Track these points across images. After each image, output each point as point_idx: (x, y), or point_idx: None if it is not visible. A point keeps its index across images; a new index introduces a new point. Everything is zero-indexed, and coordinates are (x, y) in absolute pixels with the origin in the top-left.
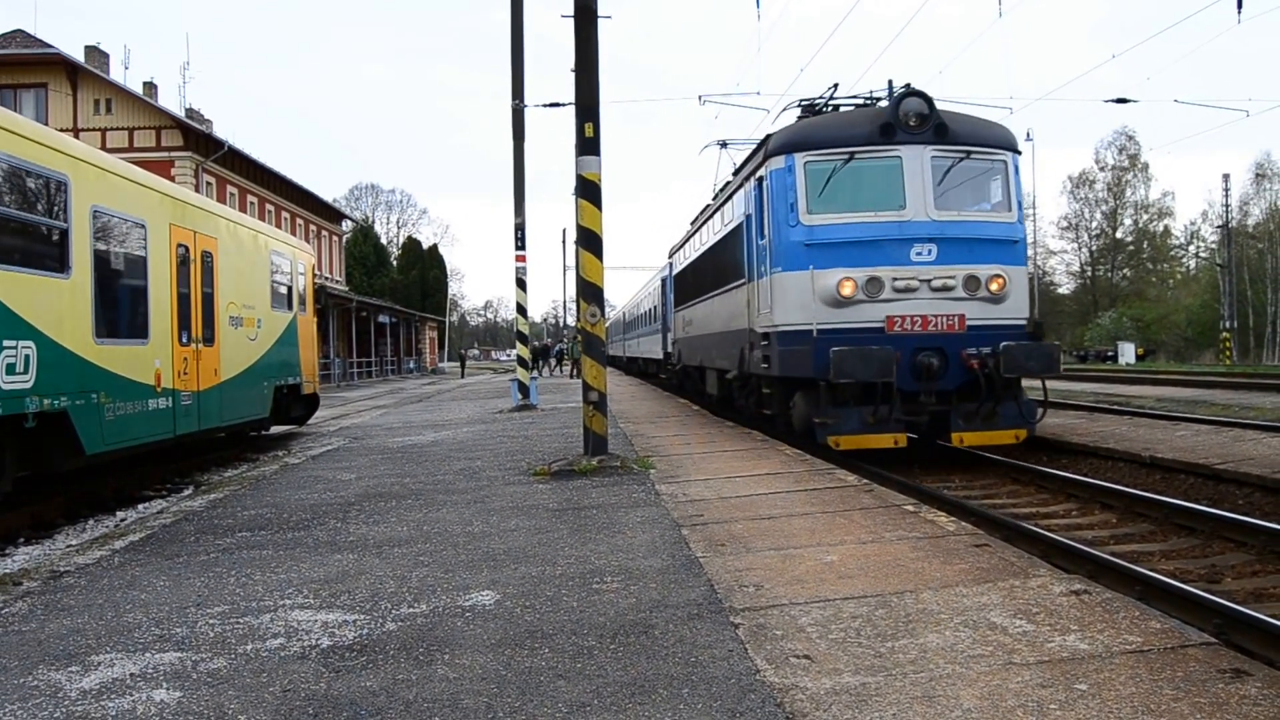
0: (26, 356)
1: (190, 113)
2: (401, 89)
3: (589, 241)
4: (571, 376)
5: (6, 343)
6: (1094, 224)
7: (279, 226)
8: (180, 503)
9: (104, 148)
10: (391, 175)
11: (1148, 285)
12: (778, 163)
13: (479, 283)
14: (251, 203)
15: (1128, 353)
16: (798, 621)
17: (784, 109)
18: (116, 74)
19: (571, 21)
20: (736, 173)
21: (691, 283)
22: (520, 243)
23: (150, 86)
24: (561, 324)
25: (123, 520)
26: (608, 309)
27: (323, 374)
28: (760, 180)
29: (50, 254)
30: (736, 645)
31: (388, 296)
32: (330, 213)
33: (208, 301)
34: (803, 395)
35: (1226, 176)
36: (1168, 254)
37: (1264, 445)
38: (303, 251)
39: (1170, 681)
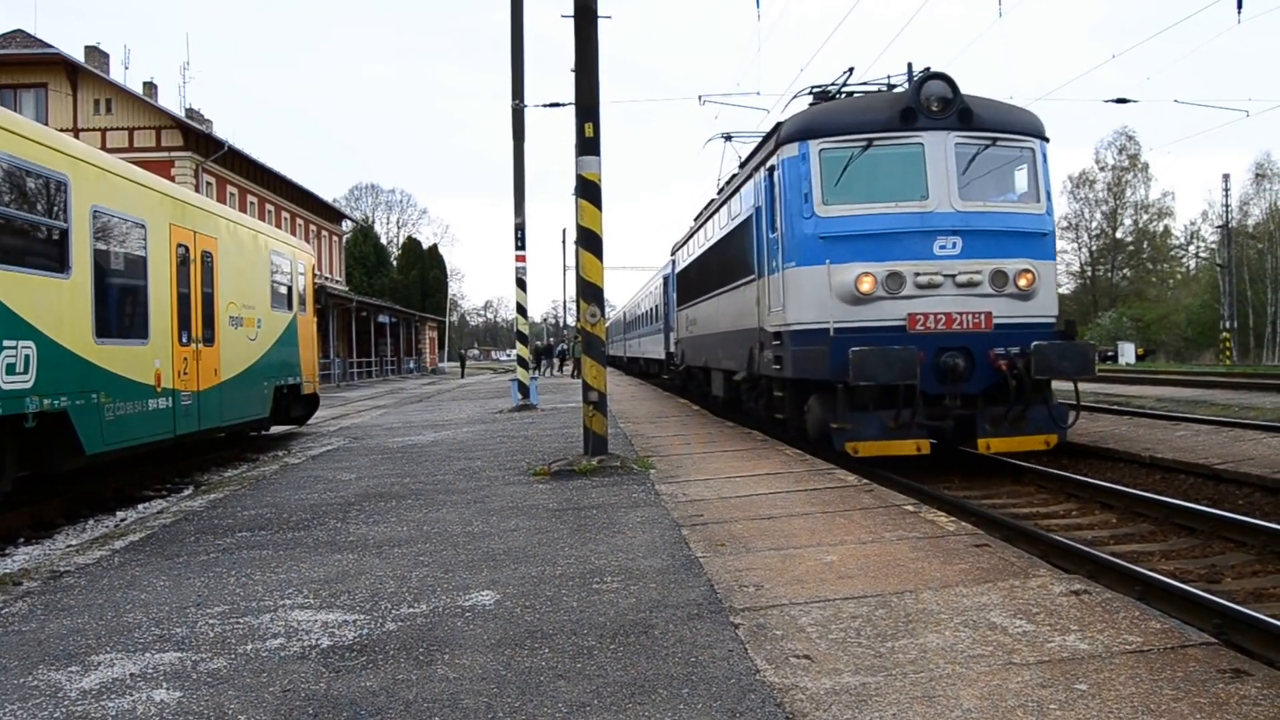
0: (26, 356)
1: (190, 113)
2: (401, 89)
3: (589, 241)
4: (572, 376)
5: (6, 343)
6: (1094, 224)
7: (279, 226)
8: (180, 503)
9: (104, 148)
10: (391, 175)
11: (1148, 285)
12: (791, 150)
13: (479, 283)
14: (251, 203)
15: (1128, 353)
16: (798, 621)
17: (794, 96)
18: (116, 74)
19: (571, 21)
20: (744, 164)
21: (696, 280)
22: (520, 243)
23: (150, 86)
24: (561, 324)
25: (123, 520)
26: (607, 309)
27: (323, 374)
28: (771, 170)
29: (50, 254)
30: (736, 645)
31: (388, 296)
32: (330, 213)
33: (208, 301)
34: (818, 399)
35: (1226, 176)
36: (1168, 254)
37: (1264, 445)
38: (303, 251)
39: (1170, 681)
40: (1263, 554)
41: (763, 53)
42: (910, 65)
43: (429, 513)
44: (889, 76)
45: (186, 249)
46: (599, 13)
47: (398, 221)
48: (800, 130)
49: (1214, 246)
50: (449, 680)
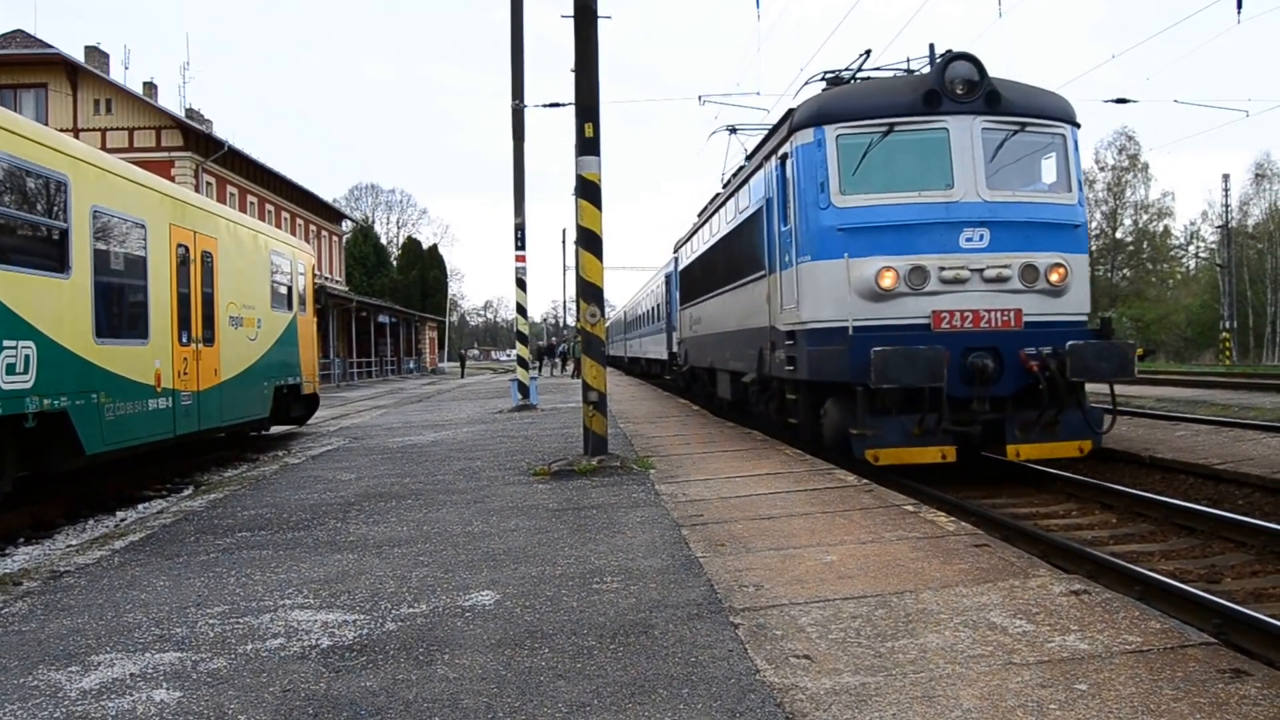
0: (26, 356)
1: (190, 113)
2: (401, 89)
3: (589, 241)
4: (572, 376)
5: (6, 343)
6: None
7: (279, 226)
8: (180, 503)
9: (104, 148)
10: (391, 175)
11: (1148, 285)
12: (805, 136)
13: (479, 283)
14: (251, 203)
15: None
16: (797, 621)
17: (806, 83)
18: (116, 74)
19: (571, 21)
20: (752, 154)
21: (700, 278)
22: (520, 243)
23: (150, 86)
24: (561, 324)
25: (123, 520)
26: (607, 309)
27: (323, 374)
28: (784, 158)
29: (50, 254)
30: (736, 645)
31: (388, 296)
32: (330, 213)
33: (208, 301)
34: (835, 403)
35: (1226, 177)
36: (1167, 254)
37: (1264, 445)
38: (303, 251)
39: (1170, 681)
40: (1262, 554)
41: (763, 53)
42: (932, 46)
43: (429, 513)
44: (908, 60)
45: (186, 249)
46: (599, 13)
47: (398, 221)
48: (816, 115)
49: (1214, 246)
50: (449, 680)
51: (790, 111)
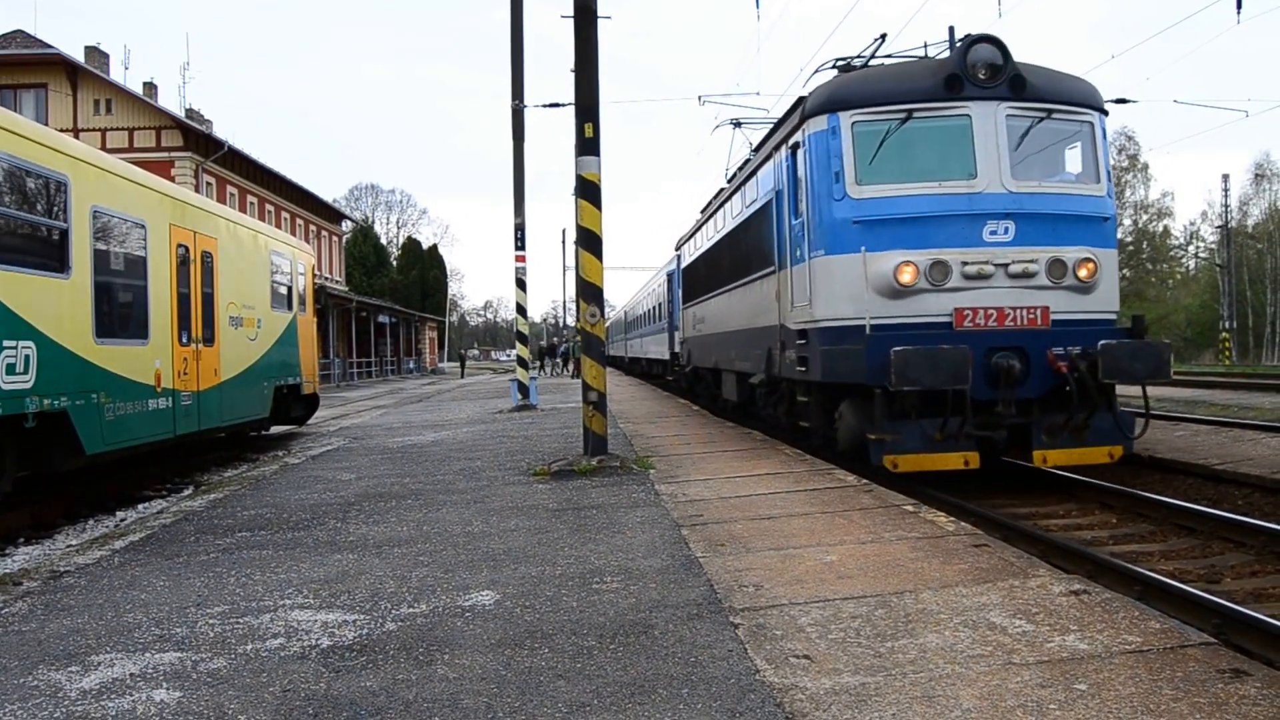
0: (26, 356)
1: (190, 113)
2: (401, 89)
3: (589, 242)
4: (572, 376)
5: (6, 343)
6: None
7: (279, 226)
8: (180, 503)
9: (104, 148)
10: (391, 175)
11: (1147, 285)
12: (819, 124)
13: (479, 283)
14: (251, 203)
15: None
16: (797, 621)
17: (816, 70)
18: (116, 74)
19: (571, 22)
20: (759, 146)
21: (704, 275)
22: (520, 243)
23: (150, 87)
24: (561, 324)
25: (123, 520)
26: (607, 309)
27: (323, 374)
28: (795, 147)
29: (50, 254)
30: (736, 645)
31: (388, 296)
32: (330, 213)
33: (208, 301)
34: (851, 406)
35: (1226, 177)
36: (1167, 254)
37: (1263, 445)
38: (302, 252)
39: (1170, 681)
40: (1262, 554)
41: (763, 53)
42: (951, 30)
43: (429, 513)
44: (925, 44)
45: (186, 249)
46: (599, 13)
47: (397, 222)
48: (830, 101)
49: (1213, 247)
50: (449, 680)
51: (801, 99)
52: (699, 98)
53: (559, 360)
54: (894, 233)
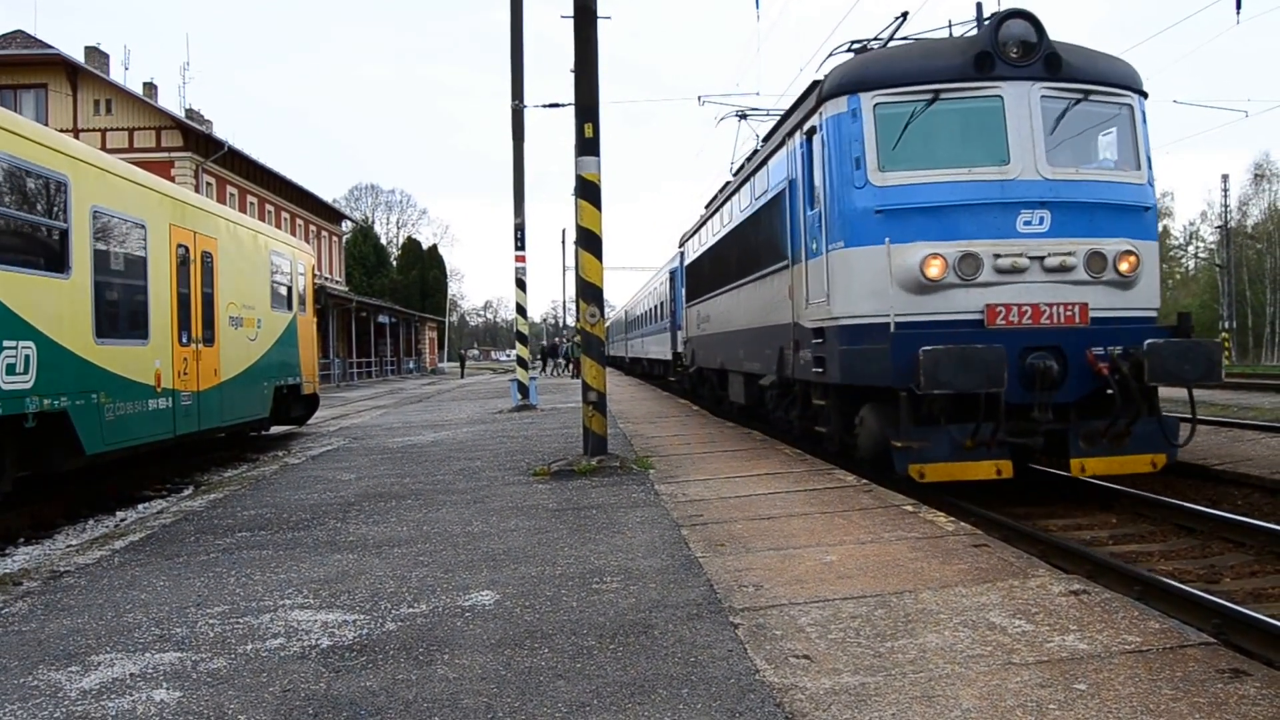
0: (26, 357)
1: (190, 113)
2: (401, 89)
3: (588, 242)
4: (571, 376)
5: (6, 343)
6: None
7: (279, 227)
8: (180, 503)
9: (104, 148)
10: (391, 175)
11: None
12: (838, 106)
13: (479, 283)
14: (251, 203)
15: None
16: (797, 621)
17: (830, 54)
18: (116, 74)
19: (571, 22)
20: (769, 135)
21: (710, 272)
22: (520, 243)
23: (150, 87)
24: (561, 324)
25: (123, 520)
26: (607, 309)
27: (322, 374)
28: (811, 133)
29: (50, 254)
30: (736, 645)
31: (387, 297)
32: (330, 213)
33: (208, 302)
34: (874, 410)
35: (1225, 177)
36: (1167, 254)
37: (1263, 445)
38: (302, 252)
39: (1169, 681)
40: (1261, 554)
41: (762, 53)
42: (979, 5)
43: (429, 513)
44: (950, 23)
45: (186, 249)
46: (599, 13)
47: (397, 222)
48: (850, 81)
49: (1213, 247)
50: (449, 680)
51: (815, 83)
52: (699, 98)
53: (562, 360)
54: (920, 223)
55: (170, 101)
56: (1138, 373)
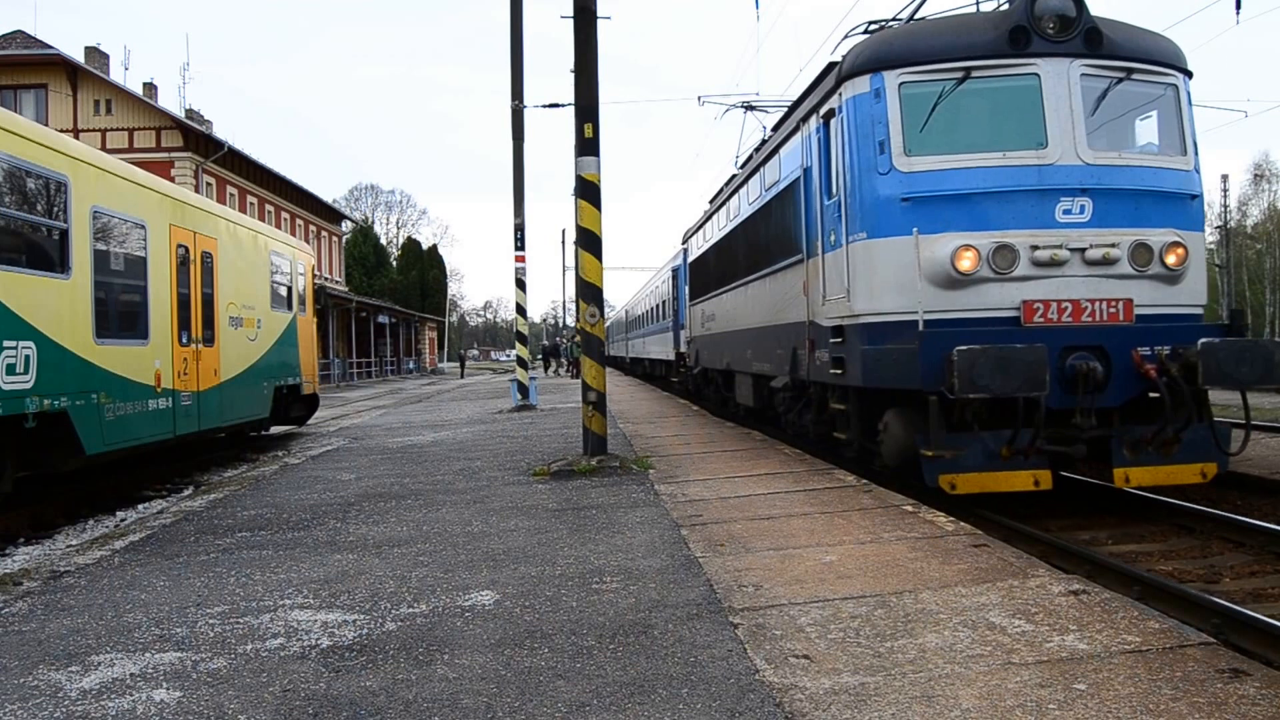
0: (26, 357)
1: (190, 113)
2: (401, 89)
3: (588, 242)
4: (571, 377)
5: (6, 343)
6: None
7: (279, 227)
8: (180, 503)
9: (104, 148)
10: (391, 176)
11: None
12: (859, 85)
13: (479, 283)
14: (251, 203)
15: None
16: (797, 621)
17: (846, 35)
18: (116, 74)
19: (571, 22)
20: (779, 124)
21: (715, 269)
22: (520, 243)
23: (150, 87)
24: (561, 324)
25: (123, 520)
26: (606, 309)
27: (322, 374)
28: (829, 116)
29: (50, 254)
30: (736, 645)
31: (387, 297)
32: (330, 213)
33: (208, 302)
34: (899, 415)
35: (1225, 177)
36: None
37: (1264, 445)
38: (302, 252)
39: (1169, 681)
40: (1261, 554)
41: (761, 53)
42: None
43: (429, 513)
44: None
45: (186, 249)
46: (599, 13)
47: (397, 222)
48: (873, 59)
49: (1212, 247)
50: (449, 680)
51: (832, 64)
52: (698, 98)
53: (564, 360)
54: (950, 211)
55: (170, 101)
56: (1188, 375)
